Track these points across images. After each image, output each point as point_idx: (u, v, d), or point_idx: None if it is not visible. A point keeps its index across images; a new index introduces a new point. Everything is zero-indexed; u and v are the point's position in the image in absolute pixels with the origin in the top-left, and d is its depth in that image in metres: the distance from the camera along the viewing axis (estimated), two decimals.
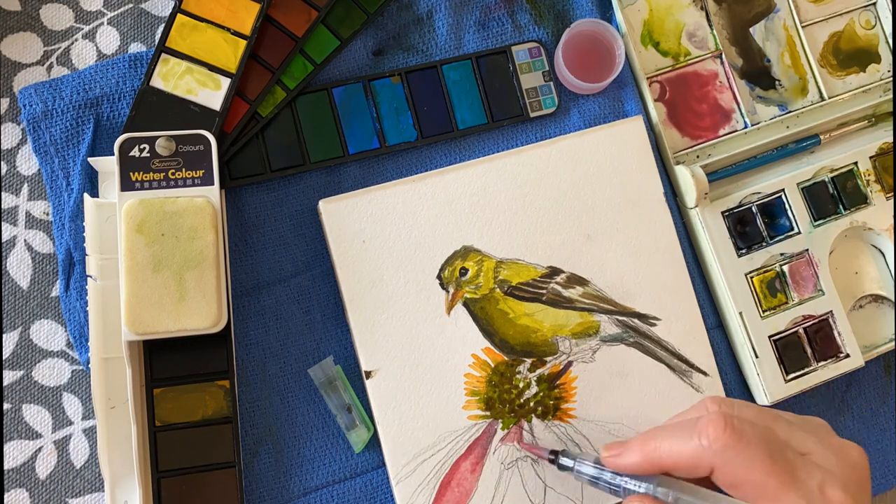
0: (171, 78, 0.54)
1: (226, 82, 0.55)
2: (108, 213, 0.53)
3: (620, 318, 0.57)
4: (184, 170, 0.52)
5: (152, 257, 0.50)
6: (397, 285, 0.55)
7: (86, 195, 0.53)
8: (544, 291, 0.56)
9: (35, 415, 0.55)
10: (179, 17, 0.56)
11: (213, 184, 0.52)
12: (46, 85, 0.56)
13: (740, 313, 0.58)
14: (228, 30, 0.56)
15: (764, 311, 0.58)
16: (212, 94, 0.55)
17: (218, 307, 0.50)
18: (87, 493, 0.54)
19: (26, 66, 0.58)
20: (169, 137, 0.52)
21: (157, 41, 0.57)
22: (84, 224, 0.54)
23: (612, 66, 0.60)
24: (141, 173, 0.52)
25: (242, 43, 0.56)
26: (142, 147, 0.52)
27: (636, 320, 0.57)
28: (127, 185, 0.52)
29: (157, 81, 0.54)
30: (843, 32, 0.65)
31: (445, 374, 0.54)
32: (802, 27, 0.64)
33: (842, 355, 0.58)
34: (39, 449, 0.54)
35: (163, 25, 0.58)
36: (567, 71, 0.59)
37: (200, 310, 0.50)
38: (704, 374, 0.57)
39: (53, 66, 0.58)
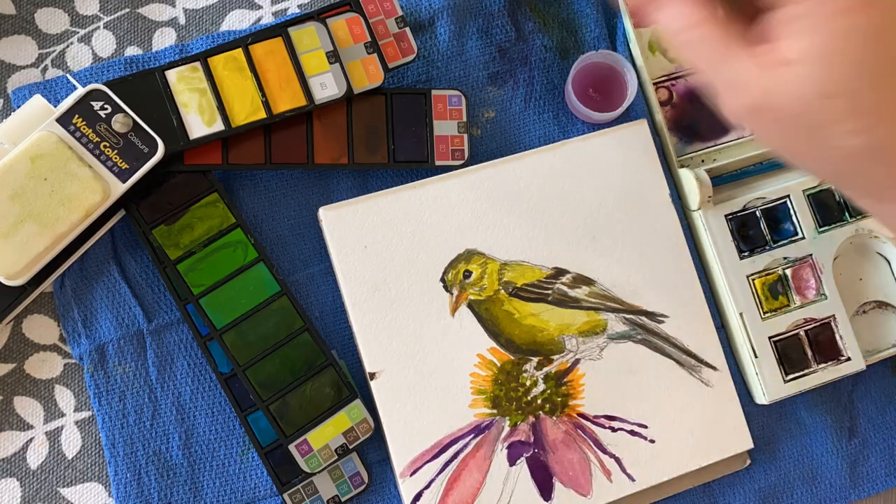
0: (184, 83, 0.53)
1: (219, 127, 0.53)
2: (39, 119, 0.51)
3: (628, 316, 0.57)
4: (116, 153, 0.51)
5: (20, 187, 0.50)
6: (400, 289, 0.55)
7: (39, 95, 0.52)
8: (550, 292, 0.57)
9: (26, 406, 0.54)
10: (239, 50, 0.54)
11: (124, 182, 0.51)
12: (41, 86, 0.56)
13: (741, 314, 0.58)
14: (263, 95, 0.54)
15: (765, 313, 0.58)
16: (200, 123, 0.53)
17: (25, 267, 0.50)
18: (78, 483, 0.54)
19: (20, 69, 0.57)
20: (133, 119, 0.51)
21: (195, 50, 0.57)
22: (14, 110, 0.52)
23: (622, 93, 0.60)
24: (83, 123, 0.51)
25: (261, 116, 0.54)
26: (105, 106, 0.51)
27: (644, 318, 0.57)
28: (65, 121, 0.51)
29: (171, 75, 0.53)
30: None
31: (450, 373, 0.55)
32: None
33: (843, 358, 0.58)
34: (31, 440, 0.54)
35: (161, 29, 0.59)
36: (577, 101, 0.59)
37: (10, 257, 0.50)
38: (714, 368, 0.57)
39: (48, 69, 0.58)
